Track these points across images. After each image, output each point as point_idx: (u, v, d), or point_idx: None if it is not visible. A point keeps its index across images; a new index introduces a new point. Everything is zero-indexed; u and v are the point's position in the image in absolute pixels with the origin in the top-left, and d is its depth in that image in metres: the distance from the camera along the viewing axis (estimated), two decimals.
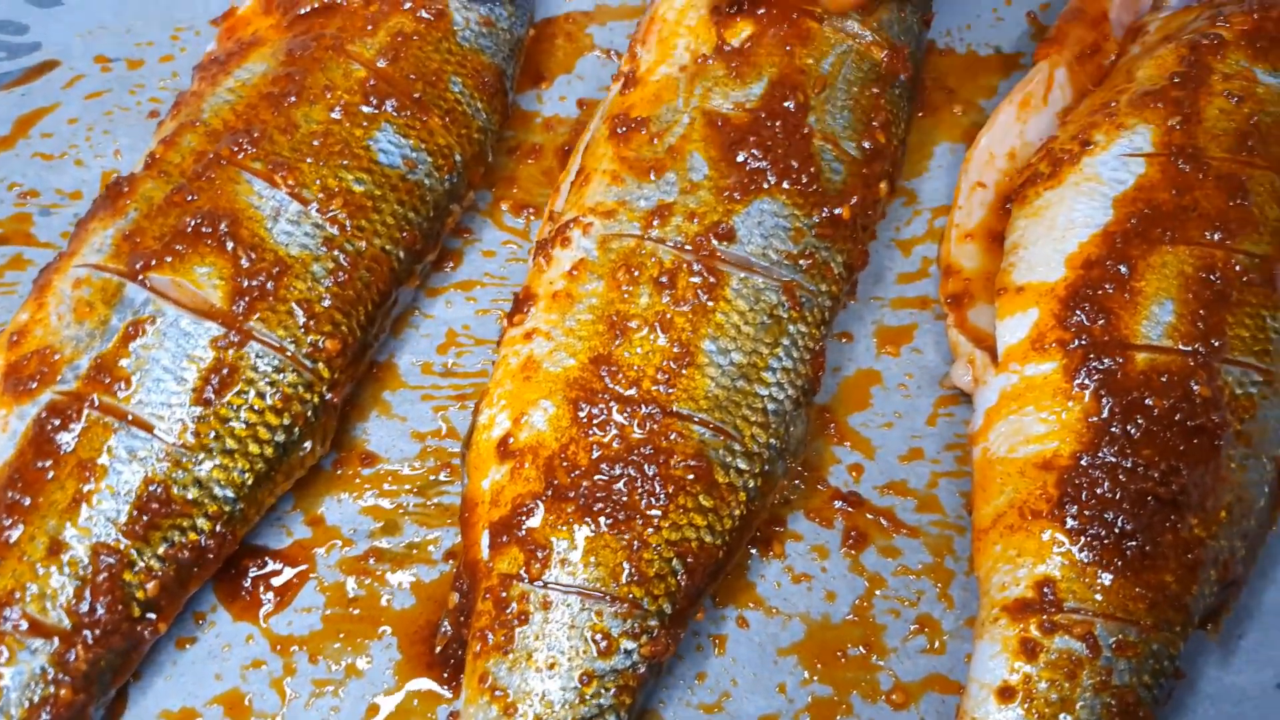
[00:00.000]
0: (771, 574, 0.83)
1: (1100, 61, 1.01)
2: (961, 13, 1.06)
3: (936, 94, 1.02)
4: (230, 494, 0.77)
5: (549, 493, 0.74)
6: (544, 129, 1.00)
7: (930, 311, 0.94)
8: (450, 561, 0.82)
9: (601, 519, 0.73)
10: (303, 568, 0.82)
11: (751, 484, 0.78)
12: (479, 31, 0.93)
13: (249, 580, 0.81)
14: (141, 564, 0.74)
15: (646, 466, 0.75)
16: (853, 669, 0.81)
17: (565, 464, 0.75)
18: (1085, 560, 0.77)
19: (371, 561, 0.82)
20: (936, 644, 0.82)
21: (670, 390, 0.77)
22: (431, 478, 0.85)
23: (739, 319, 0.80)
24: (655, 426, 0.76)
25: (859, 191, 0.86)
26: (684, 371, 0.78)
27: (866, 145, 0.87)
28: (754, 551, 0.84)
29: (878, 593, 0.83)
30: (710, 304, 0.79)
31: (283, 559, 0.82)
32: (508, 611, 0.73)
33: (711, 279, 0.80)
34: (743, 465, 0.78)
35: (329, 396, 0.81)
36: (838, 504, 0.86)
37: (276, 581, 0.81)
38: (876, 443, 0.88)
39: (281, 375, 0.78)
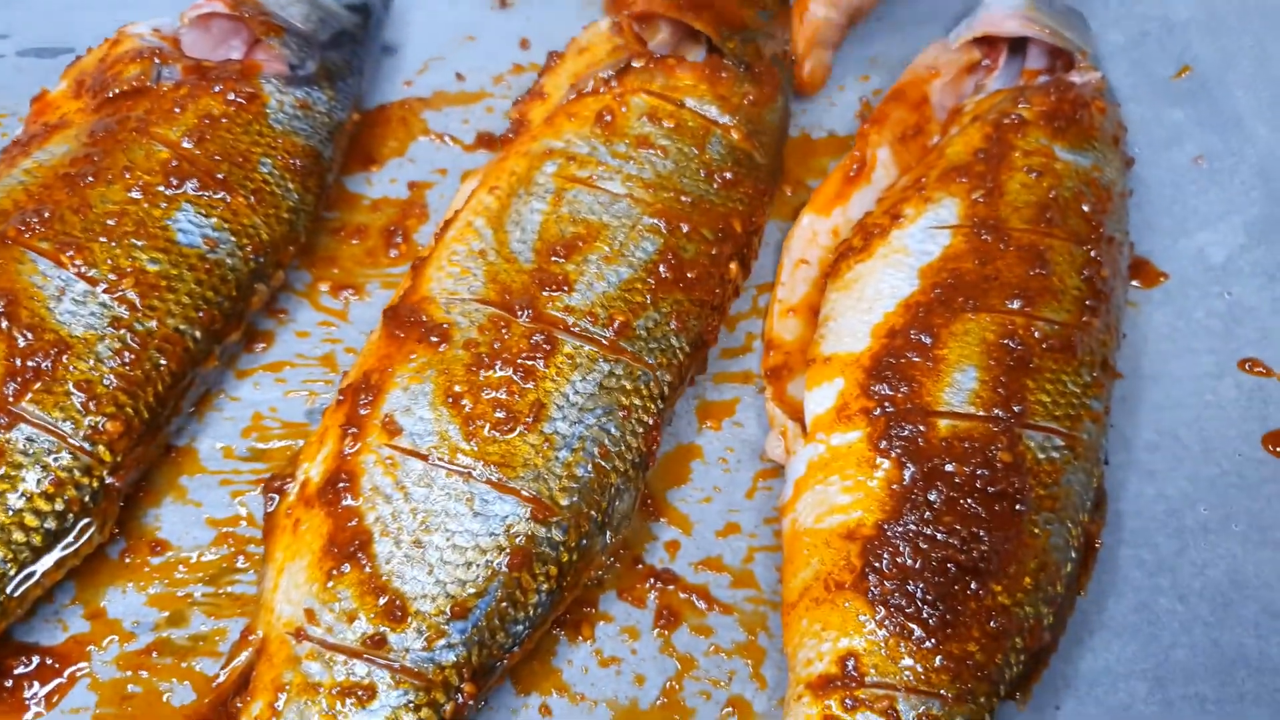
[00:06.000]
0: (579, 658, 0.80)
1: (924, 142, 1.03)
2: (795, 97, 1.08)
3: None
4: None
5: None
6: (370, 210, 1.00)
7: (753, 386, 0.93)
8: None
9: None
10: (77, 666, 0.77)
11: (565, 558, 0.76)
12: (293, 114, 0.92)
13: (11, 681, 0.75)
14: None
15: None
16: None
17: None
18: (887, 632, 0.75)
19: (154, 656, 0.78)
20: None
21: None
22: (224, 565, 0.81)
23: (569, 388, 0.79)
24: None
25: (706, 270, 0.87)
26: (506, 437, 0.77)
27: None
28: (562, 635, 0.81)
29: (689, 674, 0.80)
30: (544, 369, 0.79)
31: (54, 656, 0.77)
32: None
33: (547, 345, 0.80)
34: (557, 536, 0.76)
35: (110, 480, 0.77)
36: (652, 582, 0.83)
37: (45, 681, 0.76)
38: (694, 518, 0.86)
39: (54, 459, 0.75)
